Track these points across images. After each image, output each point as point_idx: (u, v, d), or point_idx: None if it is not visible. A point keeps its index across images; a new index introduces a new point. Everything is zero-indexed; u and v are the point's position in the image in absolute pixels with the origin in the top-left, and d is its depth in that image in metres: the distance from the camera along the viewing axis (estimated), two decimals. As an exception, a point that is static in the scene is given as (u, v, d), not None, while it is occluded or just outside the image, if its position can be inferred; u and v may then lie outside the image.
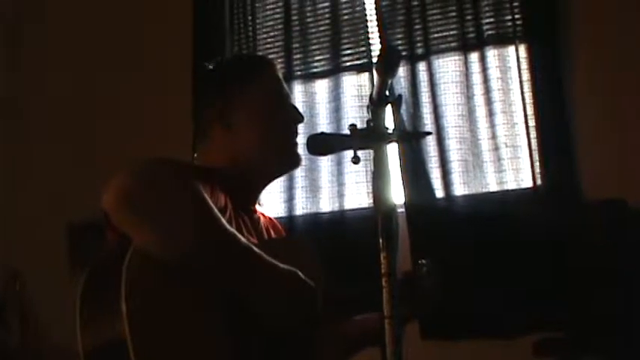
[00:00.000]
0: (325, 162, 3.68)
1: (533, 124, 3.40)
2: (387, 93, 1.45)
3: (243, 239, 1.58)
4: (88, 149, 4.15)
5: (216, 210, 1.56)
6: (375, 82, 1.43)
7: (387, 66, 1.40)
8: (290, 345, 1.62)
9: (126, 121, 4.10)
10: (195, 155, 2.01)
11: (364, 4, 3.81)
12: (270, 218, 2.08)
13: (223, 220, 1.57)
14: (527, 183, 3.42)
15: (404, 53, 3.59)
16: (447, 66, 3.59)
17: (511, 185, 3.45)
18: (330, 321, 1.74)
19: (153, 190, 1.50)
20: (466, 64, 3.56)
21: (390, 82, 1.44)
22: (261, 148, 1.94)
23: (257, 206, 2.03)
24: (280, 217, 3.53)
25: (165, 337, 1.47)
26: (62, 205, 4.05)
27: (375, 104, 1.46)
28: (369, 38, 3.76)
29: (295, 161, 2.02)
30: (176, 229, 1.50)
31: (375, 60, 3.67)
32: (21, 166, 4.34)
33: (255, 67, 2.05)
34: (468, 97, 3.54)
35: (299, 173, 3.66)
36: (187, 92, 3.83)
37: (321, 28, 3.88)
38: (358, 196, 3.65)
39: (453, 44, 3.61)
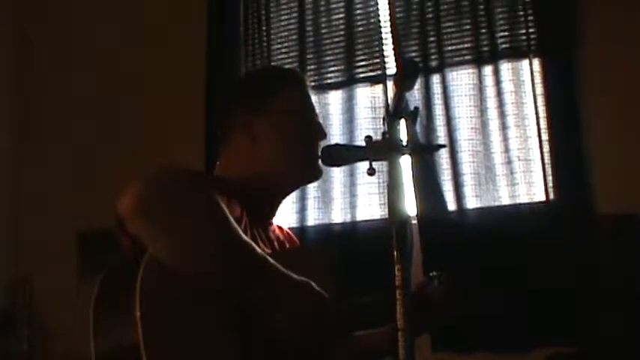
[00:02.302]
0: (338, 173, 3.69)
1: (547, 137, 3.40)
2: (403, 105, 1.46)
3: (259, 250, 1.58)
4: (99, 157, 4.16)
5: (233, 220, 1.56)
6: (392, 95, 1.44)
7: (404, 78, 1.41)
8: (300, 352, 1.62)
9: (138, 130, 4.11)
10: (218, 163, 2.01)
11: (379, 15, 3.81)
12: (287, 232, 2.08)
13: (240, 231, 1.57)
14: (539, 197, 3.41)
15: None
16: (461, 79, 3.59)
17: (523, 199, 3.44)
18: (343, 332, 1.74)
19: (170, 199, 1.50)
20: (480, 77, 3.56)
21: (406, 94, 1.45)
22: (283, 160, 1.93)
23: (274, 219, 2.02)
24: (292, 228, 3.53)
25: (179, 345, 1.48)
26: (72, 212, 4.06)
27: (391, 116, 1.46)
28: (383, 50, 3.76)
29: (317, 174, 2.00)
30: (192, 239, 1.50)
31: (388, 72, 3.69)
32: (32, 172, 4.35)
33: (284, 80, 2.04)
34: (482, 110, 3.54)
35: (312, 184, 3.67)
36: (200, 103, 3.87)
37: (336, 40, 3.88)
38: (370, 208, 3.66)
39: (467, 57, 3.62)
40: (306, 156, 1.95)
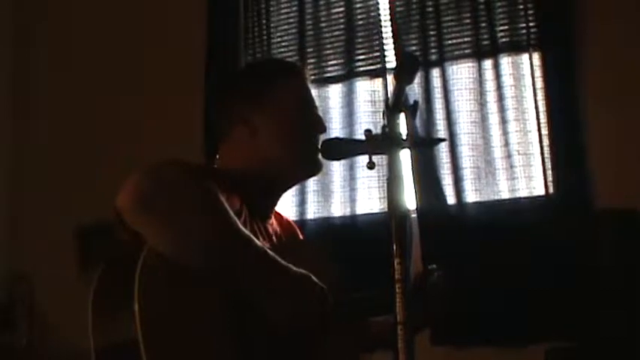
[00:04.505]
0: (337, 166, 3.68)
1: (546, 132, 3.40)
2: (403, 99, 1.46)
3: (258, 242, 1.58)
4: (97, 150, 4.15)
5: (232, 213, 1.56)
6: (392, 88, 1.44)
7: (404, 72, 1.41)
8: (298, 346, 1.62)
9: (136, 123, 4.10)
10: (217, 156, 2.00)
11: (379, 9, 3.81)
12: (287, 220, 2.08)
13: (239, 223, 1.57)
14: (539, 191, 3.41)
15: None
16: (461, 73, 3.59)
17: (523, 193, 3.44)
18: (342, 323, 1.74)
19: (169, 192, 1.50)
20: (480, 71, 3.56)
21: (406, 88, 1.45)
22: (284, 153, 1.92)
23: (274, 212, 2.01)
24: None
25: (177, 338, 1.48)
26: (71, 206, 4.05)
27: (391, 110, 1.46)
28: (383, 44, 3.76)
29: (317, 168, 1.98)
30: (191, 232, 1.50)
31: (388, 65, 3.69)
32: (30, 166, 4.34)
33: (284, 72, 2.03)
34: (481, 104, 3.53)
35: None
36: (200, 95, 3.86)
37: (335, 33, 3.87)
38: (370, 201, 3.66)
39: (467, 51, 3.61)
40: (306, 149, 1.93)
